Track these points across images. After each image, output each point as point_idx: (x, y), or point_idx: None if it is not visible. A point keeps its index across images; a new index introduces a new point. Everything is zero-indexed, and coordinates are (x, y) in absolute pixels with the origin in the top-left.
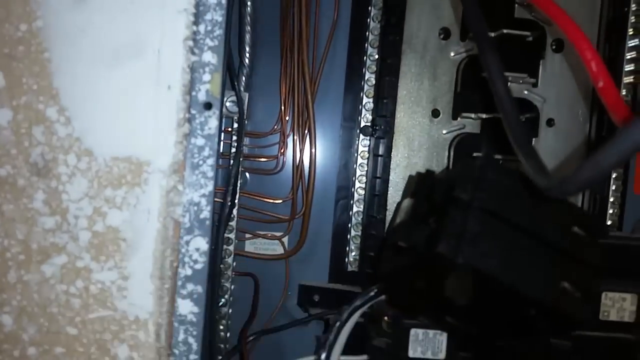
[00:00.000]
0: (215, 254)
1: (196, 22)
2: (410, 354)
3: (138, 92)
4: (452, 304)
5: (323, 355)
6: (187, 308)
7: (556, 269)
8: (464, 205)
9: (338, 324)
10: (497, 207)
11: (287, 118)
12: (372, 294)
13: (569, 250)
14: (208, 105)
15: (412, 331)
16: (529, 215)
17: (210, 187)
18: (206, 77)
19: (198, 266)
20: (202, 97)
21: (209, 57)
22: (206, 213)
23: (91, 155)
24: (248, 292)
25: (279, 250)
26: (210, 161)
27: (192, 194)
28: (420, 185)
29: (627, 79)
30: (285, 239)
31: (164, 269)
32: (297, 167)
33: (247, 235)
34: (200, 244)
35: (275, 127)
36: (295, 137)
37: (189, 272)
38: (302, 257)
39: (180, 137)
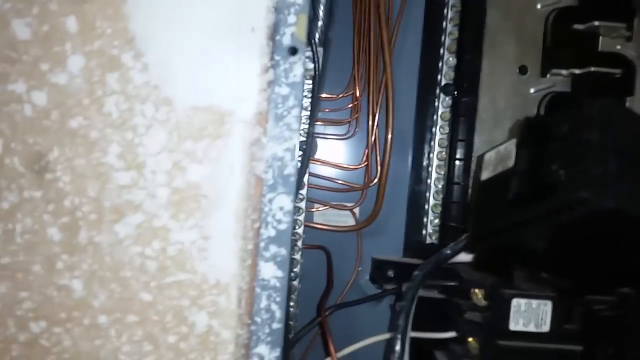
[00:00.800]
0: None
1: None
2: (512, 326)
3: (220, 35)
4: (555, 257)
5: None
6: (270, 272)
7: None
8: (597, 148)
9: (416, 281)
10: (629, 148)
11: (360, 78)
12: (461, 244)
13: None
14: (293, 50)
15: (514, 301)
16: None
17: (295, 140)
18: (291, 18)
19: (282, 226)
20: (287, 41)
21: None
22: (291, 169)
23: (170, 105)
24: (316, 267)
25: (351, 221)
26: (295, 112)
27: (275, 148)
28: (530, 131)
29: None
30: (356, 210)
31: (246, 229)
32: (372, 132)
33: (317, 206)
34: (285, 202)
35: (348, 88)
36: (370, 99)
37: (272, 232)
38: (375, 229)
39: (264, 85)
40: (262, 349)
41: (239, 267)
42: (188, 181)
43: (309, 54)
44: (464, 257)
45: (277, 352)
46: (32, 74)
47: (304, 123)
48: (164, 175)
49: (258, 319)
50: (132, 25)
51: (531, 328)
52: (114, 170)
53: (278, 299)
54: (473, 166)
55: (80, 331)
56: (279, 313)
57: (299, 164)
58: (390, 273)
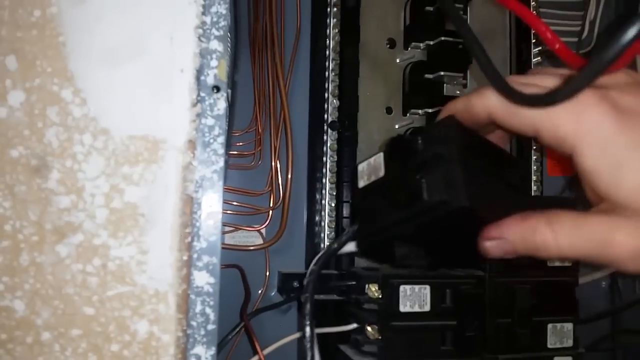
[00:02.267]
0: None
1: (204, 13)
2: (401, 308)
3: (153, 75)
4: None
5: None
6: (203, 279)
7: (515, 205)
8: (446, 160)
9: (314, 274)
10: (468, 157)
11: (260, 116)
12: (345, 237)
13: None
14: (216, 88)
15: (401, 287)
16: (489, 161)
17: (221, 163)
18: (213, 62)
19: (212, 238)
20: (210, 80)
21: (216, 45)
22: (218, 188)
23: (107, 134)
24: (229, 285)
25: (258, 241)
26: (220, 139)
27: (204, 170)
28: (394, 147)
29: None
30: (263, 230)
31: (181, 242)
32: (273, 162)
33: (227, 229)
34: (214, 217)
35: (251, 125)
36: (271, 133)
37: (204, 244)
38: (280, 246)
39: (193, 117)
40: (199, 349)
41: (175, 276)
42: (126, 202)
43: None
44: (350, 247)
45: (212, 351)
46: None
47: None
48: (102, 198)
49: (194, 323)
50: (71, 65)
51: (416, 308)
52: (54, 194)
53: (212, 303)
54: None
55: (23, 349)
56: (212, 316)
57: None
58: (296, 283)
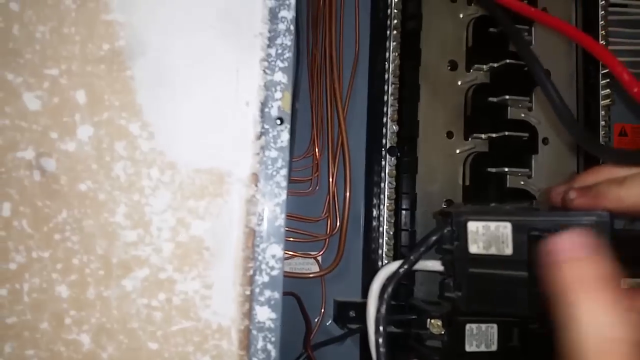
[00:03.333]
0: None
1: (270, 45)
2: (467, 348)
3: (219, 108)
4: None
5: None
6: (265, 315)
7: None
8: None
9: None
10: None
11: (318, 142)
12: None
13: None
14: (280, 120)
15: (467, 326)
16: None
17: (283, 196)
18: (277, 94)
19: (274, 272)
20: (274, 112)
21: (280, 76)
22: (280, 221)
23: (174, 168)
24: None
25: (314, 268)
26: (284, 172)
27: (267, 203)
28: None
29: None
30: (319, 258)
31: (244, 276)
32: (331, 187)
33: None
34: (276, 250)
35: (308, 150)
36: (329, 159)
37: (266, 278)
38: (337, 274)
39: (257, 149)
40: None
41: (238, 311)
42: (191, 235)
43: None
44: (435, 266)
45: None
46: (41, 142)
47: None
48: (168, 232)
49: (255, 359)
50: (139, 98)
51: (482, 348)
52: (121, 228)
53: (273, 339)
54: (417, 216)
55: None
56: (274, 352)
57: None
58: (352, 313)
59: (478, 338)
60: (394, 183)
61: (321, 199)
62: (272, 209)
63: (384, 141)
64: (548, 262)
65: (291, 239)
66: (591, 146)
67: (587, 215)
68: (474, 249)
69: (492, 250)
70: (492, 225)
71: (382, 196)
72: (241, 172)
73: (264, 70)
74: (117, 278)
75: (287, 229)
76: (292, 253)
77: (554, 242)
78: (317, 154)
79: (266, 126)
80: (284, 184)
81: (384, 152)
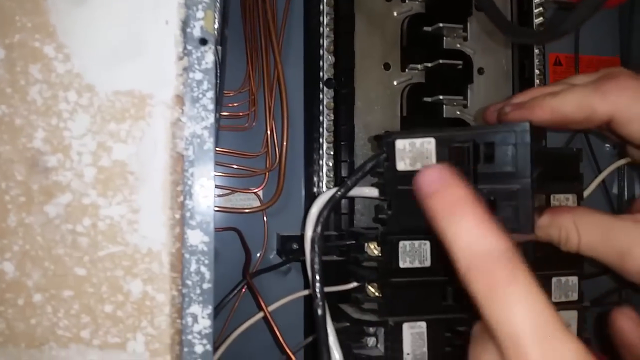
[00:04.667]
0: None
1: None
2: (401, 264)
3: (137, 27)
4: None
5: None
6: (197, 238)
7: None
8: (521, 186)
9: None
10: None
11: (254, 75)
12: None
13: None
14: (203, 41)
15: (400, 243)
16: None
17: (211, 119)
18: (199, 14)
19: (205, 196)
20: (197, 33)
21: None
22: (209, 145)
23: (92, 91)
24: (228, 248)
25: (256, 204)
26: (210, 94)
27: (194, 127)
28: (452, 139)
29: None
30: (260, 192)
31: (173, 200)
32: (268, 122)
33: (224, 191)
34: (206, 174)
35: (244, 85)
36: (265, 93)
37: (196, 203)
38: (278, 208)
39: (180, 71)
40: (195, 308)
41: (168, 235)
42: (114, 160)
43: None
44: (371, 192)
45: (209, 310)
46: None
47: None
48: (89, 156)
49: (189, 282)
50: (52, 19)
51: (416, 264)
52: (40, 154)
53: (207, 262)
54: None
55: (15, 312)
56: (208, 274)
57: None
58: (295, 245)
59: (412, 254)
60: (332, 115)
61: (259, 134)
62: (199, 133)
63: (321, 74)
64: (418, 198)
65: (231, 175)
66: (514, 32)
67: (506, 126)
68: (401, 165)
69: (418, 166)
70: (418, 141)
71: (320, 129)
72: (164, 94)
73: None
74: (39, 204)
75: (226, 165)
76: (232, 188)
77: (416, 179)
78: (253, 88)
79: (189, 47)
80: (211, 106)
81: (321, 85)
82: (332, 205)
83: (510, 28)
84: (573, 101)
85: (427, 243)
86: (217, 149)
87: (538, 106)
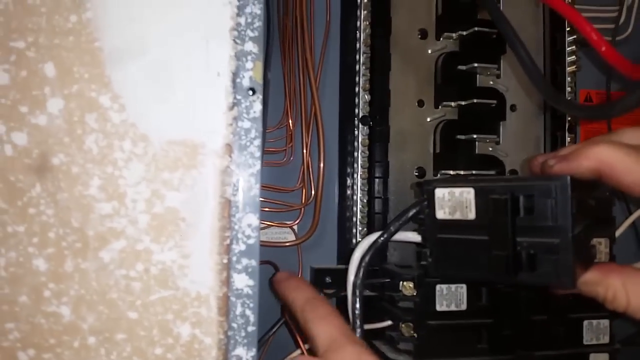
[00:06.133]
0: None
1: (239, 14)
2: (437, 307)
3: (190, 79)
4: None
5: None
6: (243, 282)
7: None
8: (562, 239)
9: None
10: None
11: (291, 112)
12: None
13: None
14: (252, 91)
15: (437, 287)
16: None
17: (257, 166)
18: (249, 65)
19: (251, 241)
20: (246, 83)
21: (250, 46)
22: (255, 191)
23: (147, 140)
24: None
25: (291, 237)
26: (257, 142)
27: (241, 174)
28: (493, 190)
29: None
30: (295, 227)
31: (221, 246)
32: (305, 157)
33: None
34: (252, 220)
35: (282, 121)
36: (302, 129)
37: (242, 247)
38: (312, 242)
39: (230, 120)
40: (239, 350)
41: (216, 279)
42: (167, 207)
43: None
44: (414, 237)
45: (253, 352)
46: (11, 116)
47: None
48: (143, 203)
49: (235, 325)
50: (108, 71)
51: (452, 307)
52: (95, 201)
53: (252, 305)
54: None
55: (71, 354)
56: (252, 317)
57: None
58: (328, 279)
59: (448, 298)
60: (367, 152)
61: (296, 169)
62: (246, 179)
63: (356, 110)
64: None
65: (267, 209)
66: (559, 102)
67: (545, 179)
68: (440, 214)
69: (457, 215)
70: (457, 191)
71: (355, 165)
72: (214, 143)
73: (234, 40)
74: (94, 250)
75: (263, 199)
76: (268, 223)
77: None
78: (291, 124)
79: (238, 97)
80: (258, 154)
81: (356, 122)
82: (375, 250)
83: (549, 94)
84: (622, 153)
85: (464, 287)
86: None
87: (582, 155)
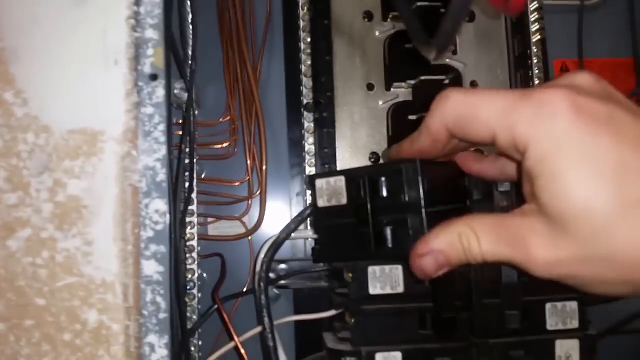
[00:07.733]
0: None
1: (137, 3)
2: (371, 290)
3: (88, 68)
4: None
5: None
6: (152, 268)
7: None
8: (412, 209)
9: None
10: (439, 196)
11: (234, 106)
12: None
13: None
14: (154, 77)
15: (370, 269)
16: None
17: (163, 151)
18: (149, 51)
19: (159, 227)
20: (147, 69)
21: (151, 33)
22: (162, 176)
23: (49, 131)
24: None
25: (241, 230)
26: (161, 127)
27: (146, 159)
28: (356, 177)
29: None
30: (245, 219)
31: (125, 232)
32: (250, 149)
33: (209, 219)
34: (159, 205)
35: (224, 115)
36: (244, 122)
37: (150, 233)
38: (263, 234)
39: (129, 106)
40: (151, 337)
41: (121, 266)
42: (68, 195)
43: (183, 85)
44: (308, 233)
45: (165, 339)
46: None
47: (185, 145)
48: (47, 192)
49: (145, 312)
50: (11, 68)
51: (387, 290)
52: (2, 192)
53: (162, 292)
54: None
55: None
56: (164, 304)
57: (186, 183)
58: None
59: (382, 280)
60: (314, 139)
61: (242, 161)
62: (151, 165)
63: (301, 98)
64: None
65: (216, 203)
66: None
67: (399, 162)
68: (320, 202)
69: (333, 202)
70: (332, 179)
71: (303, 153)
72: (114, 130)
73: (132, 28)
74: (2, 239)
75: (209, 193)
76: (218, 216)
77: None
78: (234, 117)
79: (140, 83)
80: (163, 139)
81: (302, 109)
82: (276, 246)
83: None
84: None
85: (399, 267)
86: (202, 177)
87: (424, 126)
